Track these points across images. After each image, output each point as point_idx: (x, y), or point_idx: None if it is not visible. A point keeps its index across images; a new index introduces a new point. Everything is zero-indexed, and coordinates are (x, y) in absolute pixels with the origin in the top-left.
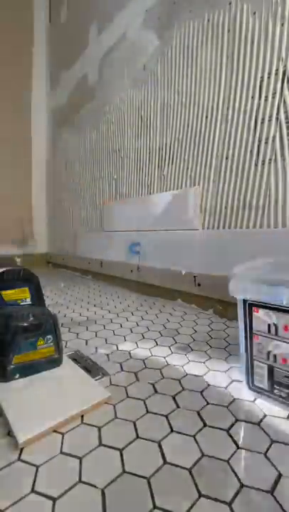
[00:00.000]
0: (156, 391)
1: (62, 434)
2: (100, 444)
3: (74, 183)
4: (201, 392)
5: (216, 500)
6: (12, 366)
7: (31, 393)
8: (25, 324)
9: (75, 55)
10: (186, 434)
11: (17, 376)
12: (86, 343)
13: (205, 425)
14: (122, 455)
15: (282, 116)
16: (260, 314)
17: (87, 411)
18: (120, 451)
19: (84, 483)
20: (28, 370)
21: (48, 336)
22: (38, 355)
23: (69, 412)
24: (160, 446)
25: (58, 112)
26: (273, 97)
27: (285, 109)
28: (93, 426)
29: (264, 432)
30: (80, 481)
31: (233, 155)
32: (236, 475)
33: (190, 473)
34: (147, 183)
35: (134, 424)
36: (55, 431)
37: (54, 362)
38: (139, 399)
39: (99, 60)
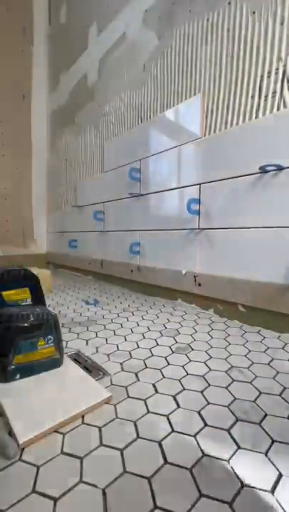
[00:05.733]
0: (156, 391)
1: (63, 434)
2: (101, 444)
3: (74, 183)
4: (202, 391)
5: (216, 499)
6: (12, 367)
7: (32, 394)
8: (26, 325)
9: (75, 55)
10: (187, 434)
11: (17, 377)
12: (87, 343)
13: (206, 425)
14: (122, 455)
15: None
16: None
17: (88, 411)
18: (121, 451)
19: (85, 483)
20: (29, 370)
21: (49, 337)
22: (38, 355)
23: (70, 413)
24: (161, 446)
25: (58, 112)
26: (273, 97)
27: (285, 109)
28: (94, 426)
29: (265, 431)
30: (81, 480)
31: None
32: (237, 475)
33: (191, 473)
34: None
35: (134, 424)
36: (56, 431)
37: (55, 362)
38: (139, 399)
39: (99, 60)
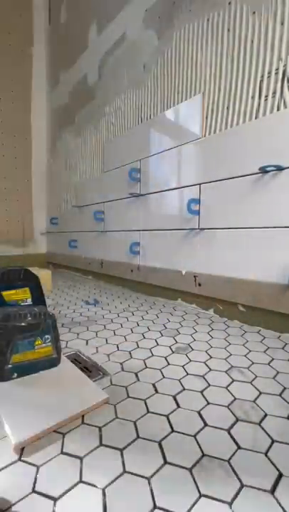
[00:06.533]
0: (156, 391)
1: (63, 434)
2: (101, 444)
3: (74, 183)
4: (202, 391)
5: (216, 499)
6: (10, 365)
7: (30, 393)
8: (23, 324)
9: (75, 55)
10: (187, 434)
11: (15, 375)
12: (86, 343)
13: (206, 425)
14: (122, 455)
15: None
16: None
17: (87, 411)
18: (121, 451)
19: (85, 483)
20: (26, 369)
21: (46, 336)
22: (36, 354)
23: (69, 413)
24: (161, 446)
25: (58, 112)
26: (273, 97)
27: (285, 109)
28: (94, 426)
29: (265, 431)
30: (80, 480)
31: None
32: (237, 475)
33: (191, 473)
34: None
35: (134, 424)
36: (55, 431)
37: (52, 362)
38: (139, 399)
39: (99, 60)
